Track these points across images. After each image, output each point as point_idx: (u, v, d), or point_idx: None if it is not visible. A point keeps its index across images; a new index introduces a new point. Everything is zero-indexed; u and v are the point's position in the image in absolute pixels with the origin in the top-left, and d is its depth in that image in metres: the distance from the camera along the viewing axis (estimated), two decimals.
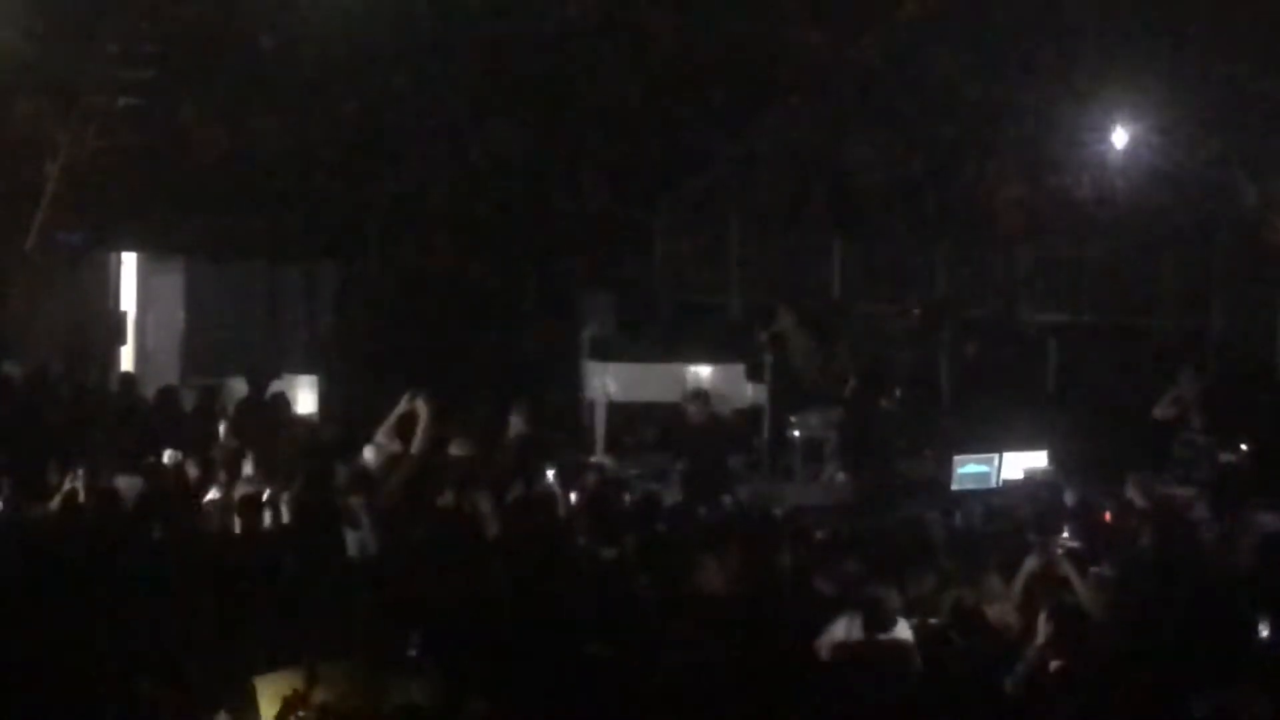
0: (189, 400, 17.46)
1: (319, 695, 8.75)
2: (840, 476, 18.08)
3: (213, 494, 13.83)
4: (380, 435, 15.05)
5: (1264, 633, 10.95)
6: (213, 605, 10.08)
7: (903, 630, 10.83)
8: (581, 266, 21.48)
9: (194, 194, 19.41)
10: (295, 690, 8.67)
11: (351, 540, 12.56)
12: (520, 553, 12.11)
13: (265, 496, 13.18)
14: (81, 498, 13.15)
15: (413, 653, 9.65)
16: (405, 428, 15.23)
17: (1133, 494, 15.00)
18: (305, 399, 19.43)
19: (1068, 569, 12.15)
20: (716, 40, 20.21)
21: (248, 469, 14.47)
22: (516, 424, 16.56)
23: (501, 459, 15.60)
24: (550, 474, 15.27)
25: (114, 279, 20.74)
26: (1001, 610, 11.54)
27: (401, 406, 15.30)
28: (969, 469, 16.97)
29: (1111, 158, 21.26)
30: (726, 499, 15.64)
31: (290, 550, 11.77)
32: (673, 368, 19.70)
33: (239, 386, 17.81)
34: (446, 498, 13.63)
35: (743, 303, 22.08)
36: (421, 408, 15.34)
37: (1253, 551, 12.77)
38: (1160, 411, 18.20)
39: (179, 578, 10.61)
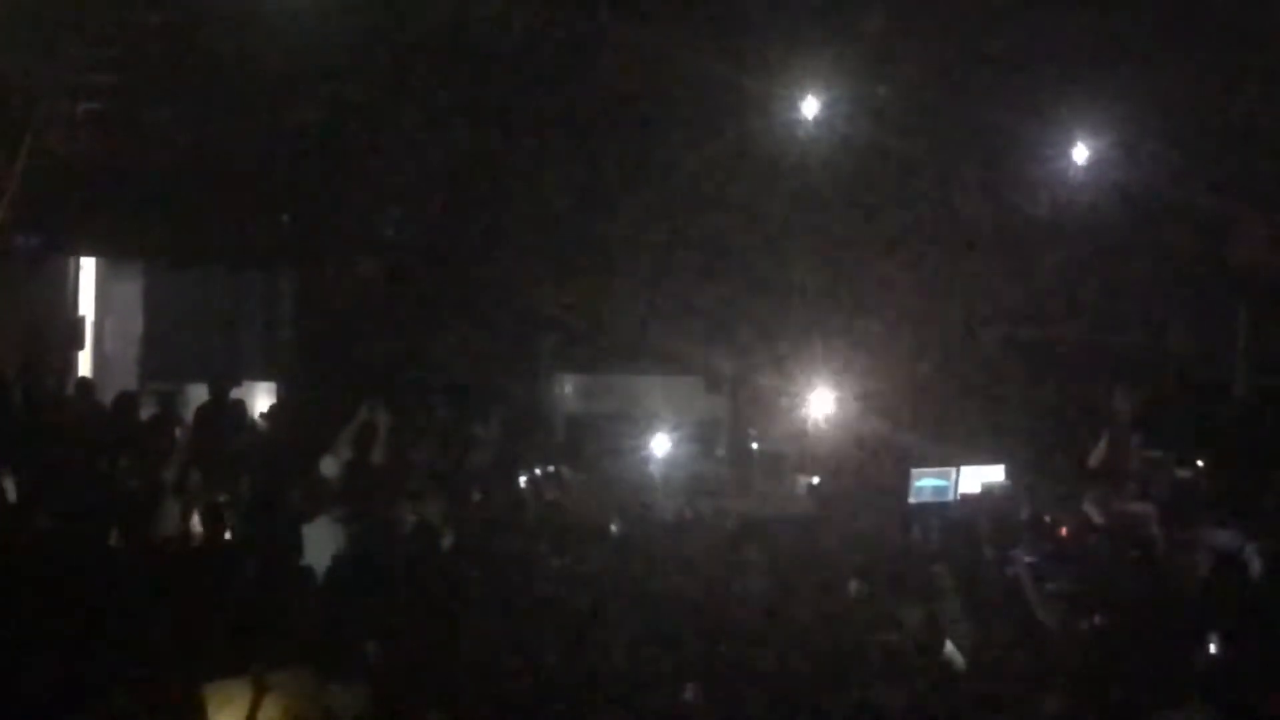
0: (147, 407, 17.36)
1: (268, 704, 8.73)
2: (800, 489, 18.11)
3: (169, 501, 13.74)
4: (339, 445, 15.02)
5: (1213, 649, 11.01)
6: (166, 614, 10.03)
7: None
8: (541, 277, 21.45)
9: (154, 199, 19.29)
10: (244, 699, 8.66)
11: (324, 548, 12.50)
12: (483, 561, 12.12)
13: (220, 504, 13.12)
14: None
15: (373, 662, 9.63)
16: (364, 437, 15.21)
17: (1089, 509, 15.06)
18: (264, 406, 19.35)
19: (1023, 583, 12.22)
20: (678, 49, 20.22)
21: (204, 476, 14.40)
22: (483, 432, 16.54)
23: (465, 467, 15.58)
24: (523, 481, 15.30)
25: (73, 284, 20.61)
26: (958, 630, 11.58)
27: (361, 416, 15.28)
28: (926, 482, 17.02)
29: (1072, 174, 21.34)
30: (687, 510, 15.66)
31: (243, 558, 11.72)
32: (631, 379, 19.72)
33: (198, 393, 17.72)
34: (406, 507, 13.59)
35: (705, 315, 22.06)
36: (381, 417, 15.34)
37: (1207, 569, 12.84)
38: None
39: (134, 587, 10.56)
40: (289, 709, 8.79)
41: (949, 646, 11.25)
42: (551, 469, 17.38)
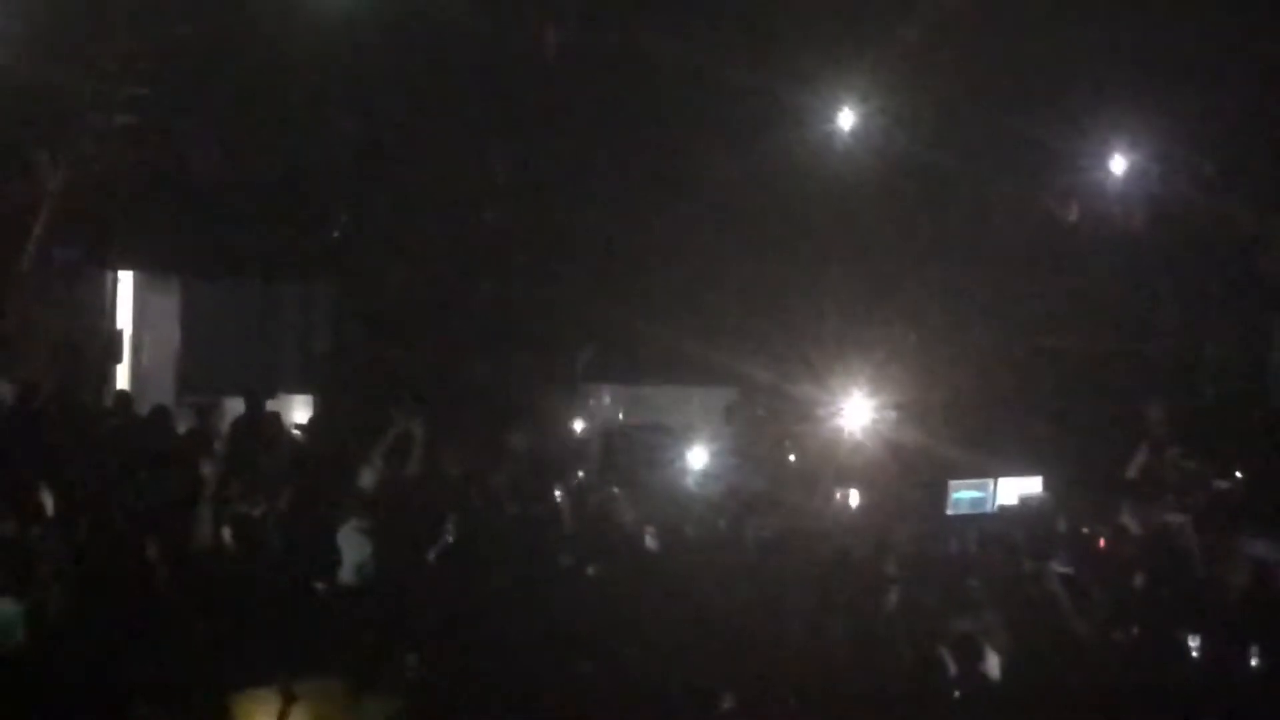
0: (184, 419, 17.41)
1: (297, 715, 8.73)
2: (837, 500, 18.06)
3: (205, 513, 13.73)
4: (376, 456, 15.01)
5: (1254, 661, 10.96)
6: (200, 624, 10.05)
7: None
8: (579, 288, 21.46)
9: (190, 212, 19.39)
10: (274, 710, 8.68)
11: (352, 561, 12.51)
12: (518, 573, 12.11)
13: (256, 516, 13.14)
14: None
15: (409, 674, 9.64)
16: (400, 449, 15.20)
17: (1127, 521, 14.99)
18: (300, 418, 19.41)
19: (1060, 596, 12.15)
20: (717, 62, 20.23)
21: (240, 488, 14.41)
22: (518, 443, 16.52)
23: (500, 479, 15.56)
24: (558, 494, 15.26)
25: (110, 296, 20.69)
26: (995, 642, 11.53)
27: (397, 427, 15.26)
28: (964, 494, 16.98)
29: (1109, 185, 21.28)
30: (723, 522, 15.62)
31: (278, 568, 11.74)
32: (668, 390, 19.70)
33: (235, 405, 17.77)
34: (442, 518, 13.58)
35: (742, 326, 22.04)
36: (417, 428, 15.32)
37: (1244, 580, 12.77)
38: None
39: (170, 598, 10.58)
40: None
41: (987, 659, 11.20)
42: (587, 480, 17.37)
